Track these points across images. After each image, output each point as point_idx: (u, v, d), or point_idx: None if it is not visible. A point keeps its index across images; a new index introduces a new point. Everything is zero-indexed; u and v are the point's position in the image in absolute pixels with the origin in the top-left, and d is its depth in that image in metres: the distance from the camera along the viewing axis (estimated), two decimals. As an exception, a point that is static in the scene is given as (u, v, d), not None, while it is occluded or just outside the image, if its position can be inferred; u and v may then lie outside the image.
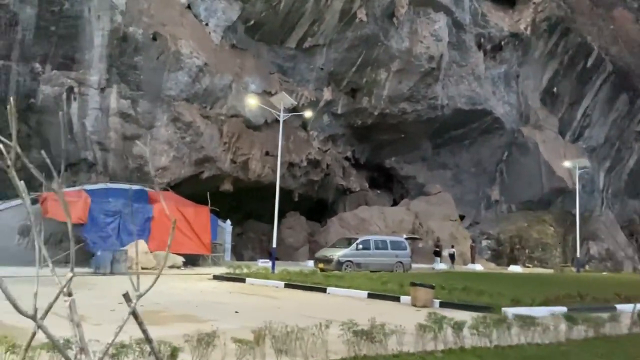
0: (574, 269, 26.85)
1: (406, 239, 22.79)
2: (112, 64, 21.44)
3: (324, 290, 12.64)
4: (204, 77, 23.63)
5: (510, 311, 9.36)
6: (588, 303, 10.29)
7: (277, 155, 28.17)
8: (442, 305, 10.19)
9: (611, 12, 39.39)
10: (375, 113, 31.88)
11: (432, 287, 10.16)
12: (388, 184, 39.83)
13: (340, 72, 29.68)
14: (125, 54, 21.64)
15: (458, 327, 4.92)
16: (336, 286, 12.77)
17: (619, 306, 10.43)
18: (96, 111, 21.86)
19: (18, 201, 20.51)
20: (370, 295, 11.58)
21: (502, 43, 36.54)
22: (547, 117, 40.33)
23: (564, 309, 9.85)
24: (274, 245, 19.46)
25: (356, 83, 30.52)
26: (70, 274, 3.17)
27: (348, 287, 12.40)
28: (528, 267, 29.92)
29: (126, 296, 3.34)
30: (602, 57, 38.23)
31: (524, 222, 32.72)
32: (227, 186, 26.20)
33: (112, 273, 16.71)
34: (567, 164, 32.25)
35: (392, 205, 35.85)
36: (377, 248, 19.84)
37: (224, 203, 25.66)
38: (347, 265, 18.68)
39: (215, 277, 15.93)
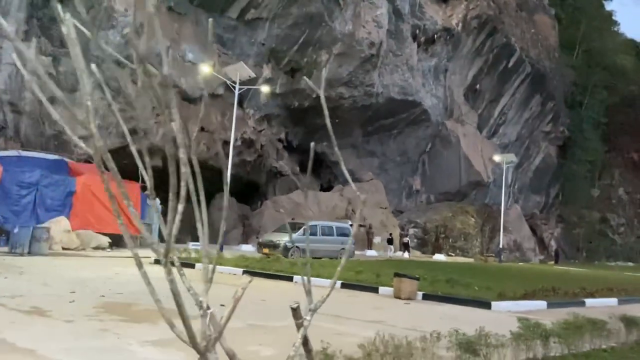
0: (496, 259, 28.33)
1: (351, 225, 22.50)
2: (32, 14, 18.66)
3: (289, 279, 11.83)
4: (139, 39, 21.37)
5: (501, 305, 9.23)
6: (561, 298, 10.52)
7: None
8: (426, 297, 9.85)
9: (533, 16, 41.80)
10: (313, 95, 31.03)
11: (417, 279, 9.77)
12: (317, 169, 39.45)
13: (281, 50, 28.53)
14: (49, 4, 18.88)
15: (546, 334, 4.46)
16: (299, 274, 11.98)
17: (587, 300, 10.76)
18: (10, 67, 18.95)
19: None
20: (344, 286, 10.97)
21: (435, 36, 37.38)
22: (468, 113, 42.15)
23: (544, 303, 9.94)
24: (223, 228, 18.17)
25: (297, 62, 29.55)
26: (249, 279, 2.17)
27: (317, 276, 11.67)
28: (451, 255, 31.13)
29: (296, 313, 2.38)
30: (523, 58, 40.53)
31: (449, 212, 33.99)
32: (156, 161, 24.10)
33: (30, 253, 14.55)
34: (497, 158, 33.93)
35: (321, 191, 35.55)
36: (323, 234, 19.30)
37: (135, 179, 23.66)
38: (293, 251, 17.94)
39: (157, 262, 14.41)
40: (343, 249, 19.85)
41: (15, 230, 14.76)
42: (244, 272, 12.66)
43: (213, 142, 26.73)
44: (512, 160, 32.95)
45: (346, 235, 20.36)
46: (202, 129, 25.55)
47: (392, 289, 10.24)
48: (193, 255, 14.59)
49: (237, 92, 18.93)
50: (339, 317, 7.41)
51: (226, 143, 28.18)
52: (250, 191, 34.25)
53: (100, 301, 7.50)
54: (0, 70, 18.88)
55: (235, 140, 28.78)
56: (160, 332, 5.57)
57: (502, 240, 30.20)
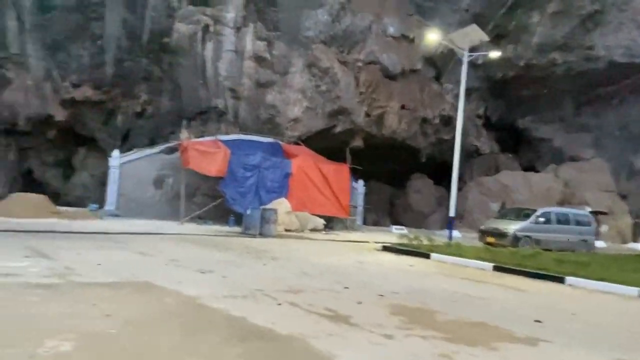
0: None
1: (591, 213, 19.26)
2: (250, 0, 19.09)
3: (560, 280, 9.75)
4: (345, 17, 20.77)
5: None
6: None
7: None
8: None
9: None
10: (520, 64, 27.73)
11: None
12: (515, 148, 35.62)
13: (486, 15, 25.66)
14: (264, -12, 19.15)
15: None
16: (574, 275, 9.82)
17: None
18: (231, 54, 19.74)
19: (153, 150, 19.15)
20: (645, 295, 8.55)
21: (674, -18, 30.47)
22: None
23: None
24: (452, 213, 16.77)
25: (503, 28, 26.40)
26: None
27: (600, 280, 9.41)
28: (703, 250, 25.25)
29: None
30: None
31: (699, 197, 27.72)
32: (358, 142, 23.60)
33: (261, 235, 14.78)
34: None
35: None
36: (558, 222, 16.58)
37: (335, 159, 23.02)
38: (524, 242, 15.64)
39: (385, 248, 13.50)
40: (584, 240, 16.85)
41: (248, 212, 15.12)
42: (495, 267, 10.92)
43: (413, 121, 25.33)
44: None
45: (586, 224, 17.25)
46: (403, 106, 24.31)
47: None
48: (425, 242, 13.26)
49: (465, 60, 16.95)
50: None
51: (424, 121, 26.56)
52: (444, 172, 32.23)
53: (387, 303, 6.45)
54: (222, 57, 19.78)
55: (434, 117, 26.99)
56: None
57: None
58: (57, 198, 20.39)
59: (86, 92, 19.64)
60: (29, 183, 22.52)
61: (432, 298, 7.12)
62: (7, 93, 19.11)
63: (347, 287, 7.34)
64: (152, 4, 18.26)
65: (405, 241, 13.73)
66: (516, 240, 15.78)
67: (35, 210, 14.43)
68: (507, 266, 10.83)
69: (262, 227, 14.93)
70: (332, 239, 16.09)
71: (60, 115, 19.71)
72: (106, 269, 7.30)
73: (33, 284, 5.86)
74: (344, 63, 21.58)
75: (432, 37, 18.73)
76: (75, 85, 19.57)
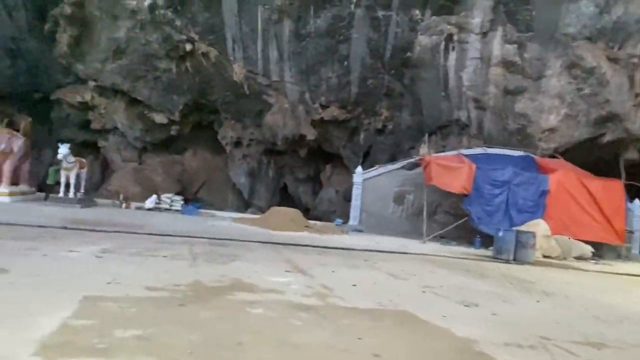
0: None
1: None
2: (499, 1, 17.45)
3: None
4: (616, 5, 17.35)
5: None
6: None
7: None
8: None
9: None
10: None
11: None
12: None
13: None
14: (514, -16, 17.31)
15: None
16: None
17: None
18: (475, 61, 18.37)
19: (394, 166, 18.98)
20: None
21: None
22: None
23: None
24: None
25: None
26: None
27: None
28: None
29: None
30: None
31: None
32: (632, 154, 19.47)
33: (515, 260, 12.92)
34: None
35: None
36: None
37: (601, 174, 18.97)
38: None
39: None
40: None
41: (500, 234, 13.44)
42: None
43: None
44: None
45: None
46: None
47: None
48: None
49: None
50: None
51: None
52: None
53: None
54: (466, 66, 18.54)
55: None
56: None
57: None
58: (307, 212, 21.90)
59: (333, 111, 20.65)
60: (285, 197, 24.88)
61: None
62: (269, 117, 21.36)
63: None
64: (395, 20, 18.18)
65: None
66: None
67: (291, 224, 15.41)
68: None
69: (517, 251, 13.06)
70: (607, 270, 13.19)
71: (310, 134, 21.14)
72: (362, 291, 6.80)
73: (295, 304, 5.60)
74: (614, 60, 18.04)
75: None
76: (324, 106, 20.75)
